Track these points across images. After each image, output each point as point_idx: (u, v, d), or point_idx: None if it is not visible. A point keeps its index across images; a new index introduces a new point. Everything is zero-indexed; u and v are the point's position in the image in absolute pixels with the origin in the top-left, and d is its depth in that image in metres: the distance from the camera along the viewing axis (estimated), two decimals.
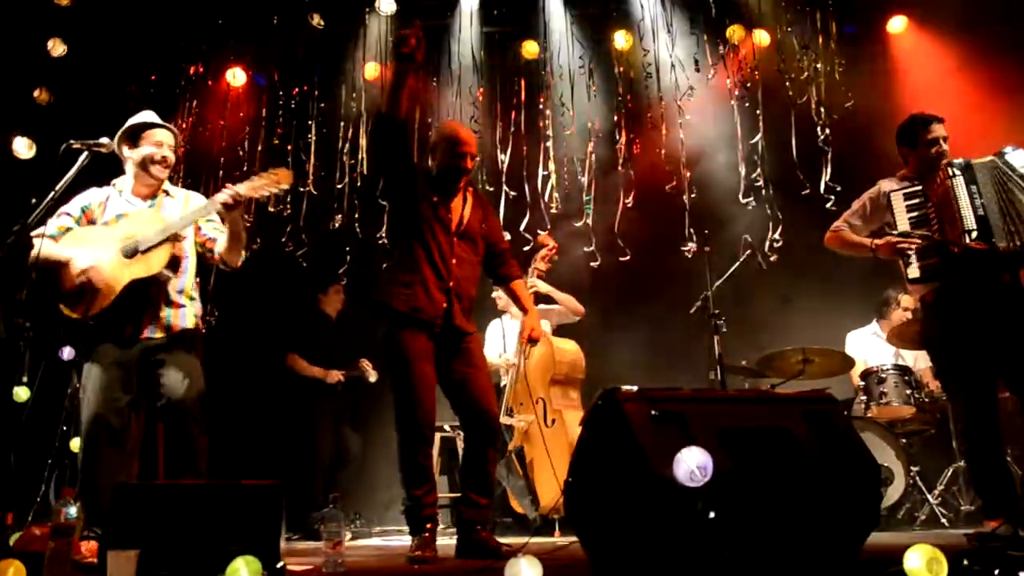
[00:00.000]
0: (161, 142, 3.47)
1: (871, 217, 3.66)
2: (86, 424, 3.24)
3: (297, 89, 6.29)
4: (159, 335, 3.35)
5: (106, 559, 2.05)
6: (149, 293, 3.33)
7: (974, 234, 3.27)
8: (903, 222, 3.46)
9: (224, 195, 3.24)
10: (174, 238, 3.33)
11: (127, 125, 3.46)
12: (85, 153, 3.08)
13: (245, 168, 6.14)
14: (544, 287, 5.27)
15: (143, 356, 3.31)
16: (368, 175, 3.47)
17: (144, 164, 3.43)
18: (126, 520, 2.27)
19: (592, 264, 5.70)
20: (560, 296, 5.35)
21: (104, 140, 3.14)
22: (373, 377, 5.64)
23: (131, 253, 3.28)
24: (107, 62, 6.02)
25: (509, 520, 5.04)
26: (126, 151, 3.45)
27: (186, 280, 3.46)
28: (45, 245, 3.20)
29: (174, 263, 3.36)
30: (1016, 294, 3.34)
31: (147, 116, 3.52)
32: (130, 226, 3.33)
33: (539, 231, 5.68)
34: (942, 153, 3.52)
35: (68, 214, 3.38)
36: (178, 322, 3.40)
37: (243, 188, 3.25)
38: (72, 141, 3.09)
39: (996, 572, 1.84)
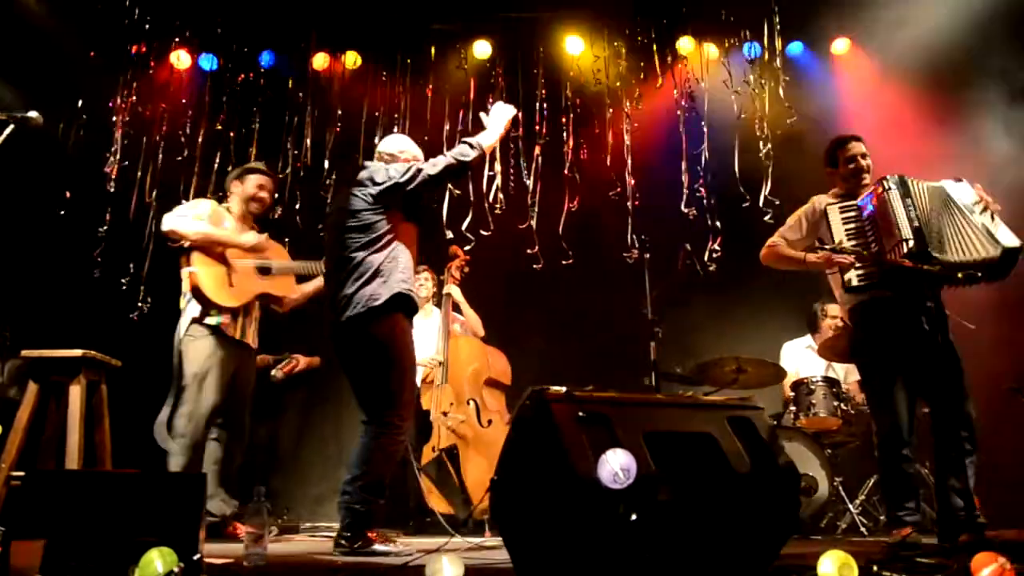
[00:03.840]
0: (263, 185, 4.42)
1: (807, 232, 3.77)
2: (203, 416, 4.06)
3: (243, 75, 6.18)
4: (253, 345, 4.34)
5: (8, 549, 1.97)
6: (258, 310, 4.34)
7: (911, 243, 3.38)
8: (839, 234, 3.56)
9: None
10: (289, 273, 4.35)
11: (242, 167, 4.54)
12: (11, 126, 2.97)
13: (186, 153, 6.01)
14: (457, 296, 5.30)
15: (242, 356, 4.23)
16: (413, 188, 3.60)
17: (247, 200, 4.37)
18: (34, 509, 2.18)
19: (534, 266, 5.71)
20: (468, 311, 5.40)
21: (32, 114, 3.04)
22: (280, 374, 5.51)
23: (265, 271, 4.26)
24: (44, 37, 5.83)
25: (439, 518, 5.02)
26: (235, 187, 4.42)
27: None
28: (205, 224, 4.14)
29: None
30: (938, 309, 3.46)
31: (256, 164, 4.60)
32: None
33: (481, 231, 5.68)
34: (860, 168, 3.72)
35: (203, 210, 4.24)
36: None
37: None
38: None
39: None
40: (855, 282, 3.51)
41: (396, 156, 3.83)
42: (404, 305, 3.51)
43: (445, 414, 4.96)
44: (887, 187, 3.51)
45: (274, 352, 5.51)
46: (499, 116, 3.86)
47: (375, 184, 3.59)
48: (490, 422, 4.96)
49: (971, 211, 3.45)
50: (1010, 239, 3.39)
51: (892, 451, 3.41)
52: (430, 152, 5.60)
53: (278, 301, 4.39)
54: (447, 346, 5.10)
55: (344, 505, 3.37)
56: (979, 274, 3.38)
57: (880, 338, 3.49)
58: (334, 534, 3.44)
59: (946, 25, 5.60)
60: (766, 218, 5.51)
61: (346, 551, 3.27)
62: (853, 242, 3.54)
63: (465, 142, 3.71)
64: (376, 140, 5.21)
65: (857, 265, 3.49)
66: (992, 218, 3.43)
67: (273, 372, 5.42)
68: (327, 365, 5.55)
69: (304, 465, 5.96)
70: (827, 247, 3.57)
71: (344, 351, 3.54)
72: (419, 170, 3.61)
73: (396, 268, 3.51)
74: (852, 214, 3.60)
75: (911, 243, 3.39)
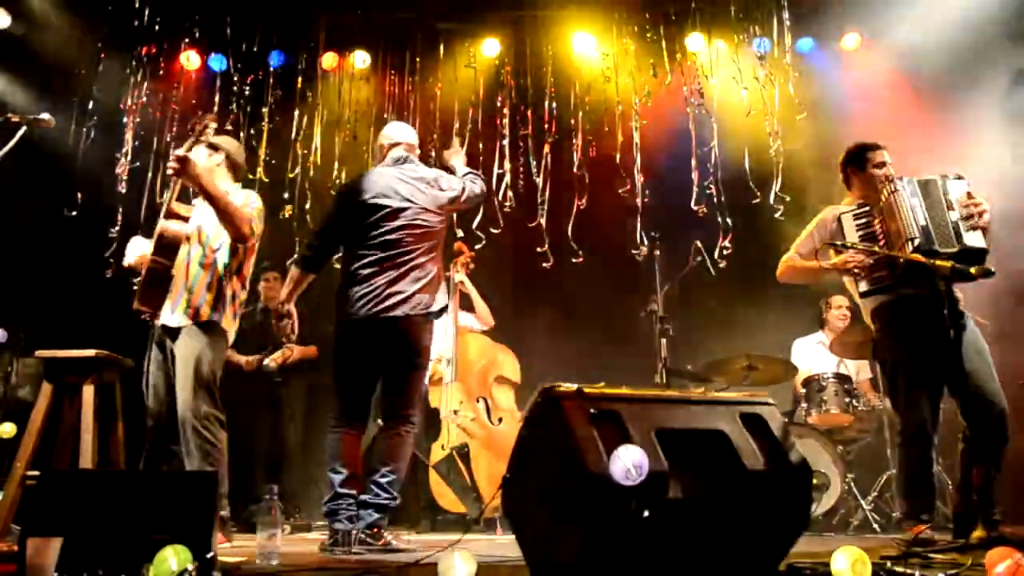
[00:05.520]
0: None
1: (820, 244, 3.75)
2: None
3: (252, 76, 6.21)
4: (170, 323, 3.61)
5: (25, 547, 1.99)
6: (165, 279, 3.58)
7: (917, 241, 3.36)
8: (853, 239, 3.55)
9: (169, 166, 3.51)
10: (168, 215, 3.59)
11: None
12: (23, 128, 2.99)
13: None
14: (468, 286, 5.30)
15: (162, 340, 3.65)
16: (460, 205, 3.81)
17: None
18: (49, 508, 2.20)
19: (544, 264, 5.71)
20: (478, 303, 5.39)
21: (45, 115, 3.06)
22: (273, 364, 5.48)
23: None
24: (54, 39, 5.86)
25: (452, 517, 5.03)
26: None
27: (200, 274, 3.65)
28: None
29: (160, 241, 3.55)
30: (953, 304, 3.44)
31: None
32: None
33: (492, 229, 5.68)
34: (889, 175, 3.65)
35: None
36: (191, 312, 3.60)
37: (181, 150, 3.52)
38: (11, 114, 3.01)
39: (916, 573, 1.88)
40: (866, 286, 3.51)
41: (417, 148, 3.90)
42: (440, 315, 3.66)
43: (455, 412, 4.96)
44: (895, 188, 3.49)
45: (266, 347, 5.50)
46: (461, 158, 4.00)
47: (442, 191, 3.68)
48: (500, 420, 4.97)
49: (951, 206, 3.43)
50: (974, 240, 3.37)
51: (916, 450, 3.38)
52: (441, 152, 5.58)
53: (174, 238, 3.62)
54: (456, 344, 5.09)
55: (369, 502, 3.39)
56: (992, 270, 3.35)
57: (904, 336, 3.47)
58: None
59: (956, 20, 5.57)
60: (777, 215, 5.50)
61: (374, 548, 3.27)
62: (864, 245, 3.53)
63: (481, 177, 3.89)
64: None
65: (869, 269, 3.49)
66: (968, 218, 3.40)
67: (266, 362, 5.39)
68: (324, 359, 5.52)
69: (313, 464, 5.97)
70: (838, 243, 3.56)
71: (376, 345, 3.51)
72: (464, 188, 3.74)
73: (443, 278, 3.69)
74: (864, 220, 3.59)
75: (917, 240, 3.38)
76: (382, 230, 3.56)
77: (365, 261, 3.55)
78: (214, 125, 3.61)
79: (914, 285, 3.43)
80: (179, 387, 3.55)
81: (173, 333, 3.62)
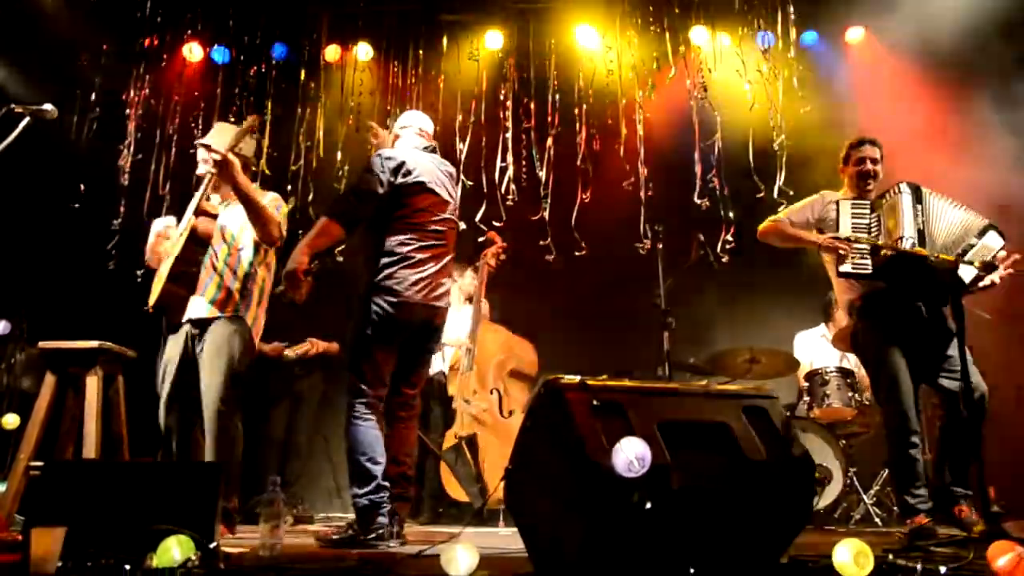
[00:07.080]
0: (200, 160, 3.76)
1: (812, 219, 3.76)
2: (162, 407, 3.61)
3: (255, 68, 6.20)
4: (198, 316, 3.57)
5: (30, 536, 1.99)
6: (190, 274, 3.58)
7: (909, 241, 3.36)
8: (846, 227, 3.54)
9: (205, 165, 3.53)
10: (198, 212, 3.57)
11: None
12: (26, 119, 3.00)
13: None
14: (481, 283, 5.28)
15: (188, 336, 3.58)
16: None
17: None
18: (53, 498, 2.21)
19: (547, 257, 5.70)
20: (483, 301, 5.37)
21: (47, 107, 3.06)
22: (292, 354, 5.46)
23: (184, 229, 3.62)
24: (58, 30, 5.86)
25: (454, 508, 5.04)
26: None
27: (226, 271, 3.61)
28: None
29: (193, 237, 3.55)
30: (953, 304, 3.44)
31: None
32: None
33: (494, 223, 5.67)
34: (867, 172, 3.71)
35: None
36: (219, 305, 3.57)
37: (223, 147, 3.41)
38: (14, 105, 3.01)
39: (918, 566, 1.89)
40: (847, 269, 3.49)
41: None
42: None
43: (468, 401, 4.96)
44: (900, 191, 3.49)
45: (292, 339, 5.50)
46: None
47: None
48: (511, 413, 4.96)
49: (972, 245, 3.42)
50: (964, 272, 3.39)
51: (902, 440, 3.42)
52: (444, 145, 5.61)
53: (205, 233, 3.64)
54: (476, 332, 5.07)
55: (404, 496, 3.36)
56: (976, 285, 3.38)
57: (881, 329, 3.49)
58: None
59: (959, 10, 5.55)
60: (780, 209, 5.48)
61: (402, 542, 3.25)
62: (868, 238, 3.53)
63: None
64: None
65: (853, 255, 3.48)
66: (979, 261, 3.39)
67: (286, 352, 5.38)
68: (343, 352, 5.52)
69: (320, 456, 5.98)
70: (840, 235, 3.56)
71: (417, 331, 3.44)
72: None
73: None
74: (862, 211, 3.59)
75: (909, 241, 3.37)
76: (434, 218, 3.47)
77: (419, 245, 3.40)
78: (254, 123, 3.60)
79: (890, 280, 3.44)
80: (207, 374, 3.49)
81: (201, 325, 3.57)
